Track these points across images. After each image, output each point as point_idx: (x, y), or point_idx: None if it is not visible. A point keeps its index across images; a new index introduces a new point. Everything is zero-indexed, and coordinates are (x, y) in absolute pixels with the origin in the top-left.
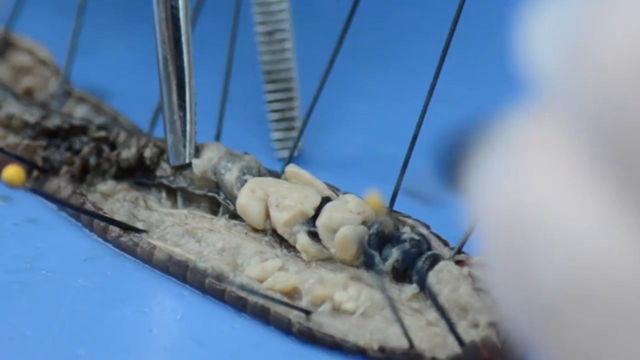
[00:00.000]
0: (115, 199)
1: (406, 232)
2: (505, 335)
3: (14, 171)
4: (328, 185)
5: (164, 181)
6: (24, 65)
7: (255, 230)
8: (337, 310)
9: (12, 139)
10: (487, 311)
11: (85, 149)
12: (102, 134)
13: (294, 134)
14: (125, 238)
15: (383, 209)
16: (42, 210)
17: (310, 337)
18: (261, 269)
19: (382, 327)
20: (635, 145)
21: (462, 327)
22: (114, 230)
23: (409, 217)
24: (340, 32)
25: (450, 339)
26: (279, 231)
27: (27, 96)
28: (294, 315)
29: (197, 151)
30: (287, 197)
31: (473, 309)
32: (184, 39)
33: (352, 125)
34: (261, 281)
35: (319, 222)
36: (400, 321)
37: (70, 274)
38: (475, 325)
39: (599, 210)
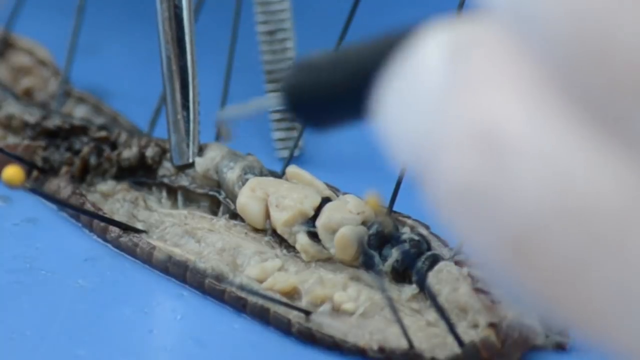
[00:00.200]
0: (115, 199)
1: (406, 233)
2: (505, 335)
3: (13, 171)
4: (328, 185)
5: (166, 180)
6: (24, 65)
7: (255, 230)
8: (336, 310)
9: (12, 140)
10: (487, 311)
11: (85, 149)
12: (103, 134)
13: (295, 133)
14: (125, 238)
15: (382, 209)
16: (41, 211)
17: (309, 338)
18: (261, 269)
19: (381, 327)
20: (594, 59)
21: (461, 328)
22: (114, 231)
23: (409, 217)
24: (341, 32)
25: (450, 340)
26: (279, 231)
27: (26, 96)
28: (294, 316)
29: (200, 150)
30: (287, 197)
31: (472, 309)
32: (187, 38)
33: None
34: (261, 281)
35: (319, 223)
36: (399, 321)
37: (70, 274)
38: (475, 326)
39: (567, 131)
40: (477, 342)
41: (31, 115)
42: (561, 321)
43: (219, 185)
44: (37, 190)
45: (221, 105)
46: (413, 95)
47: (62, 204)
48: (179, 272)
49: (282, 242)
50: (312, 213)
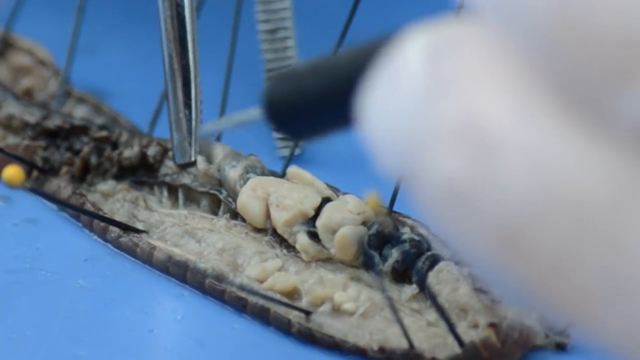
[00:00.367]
0: (115, 199)
1: (406, 233)
2: (505, 335)
3: (13, 171)
4: (328, 185)
5: (167, 179)
6: (24, 65)
7: (256, 230)
8: (337, 310)
9: (12, 140)
10: (487, 312)
11: (86, 149)
12: (104, 133)
13: None
14: (125, 238)
15: (383, 209)
16: (42, 211)
17: (310, 338)
18: (261, 269)
19: (381, 327)
20: (573, 44)
21: (461, 328)
22: (114, 231)
23: (409, 217)
24: (342, 31)
25: (450, 340)
26: (279, 231)
27: (26, 97)
28: (294, 316)
29: (202, 152)
30: (287, 196)
31: (473, 309)
32: (189, 36)
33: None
34: (261, 281)
35: (319, 223)
36: (400, 322)
37: (70, 274)
38: (475, 326)
39: (552, 123)
40: (478, 342)
41: (31, 115)
42: (554, 315)
43: (220, 184)
44: (37, 190)
45: (221, 105)
46: (394, 98)
47: (63, 204)
48: (179, 272)
49: (283, 242)
50: (312, 213)
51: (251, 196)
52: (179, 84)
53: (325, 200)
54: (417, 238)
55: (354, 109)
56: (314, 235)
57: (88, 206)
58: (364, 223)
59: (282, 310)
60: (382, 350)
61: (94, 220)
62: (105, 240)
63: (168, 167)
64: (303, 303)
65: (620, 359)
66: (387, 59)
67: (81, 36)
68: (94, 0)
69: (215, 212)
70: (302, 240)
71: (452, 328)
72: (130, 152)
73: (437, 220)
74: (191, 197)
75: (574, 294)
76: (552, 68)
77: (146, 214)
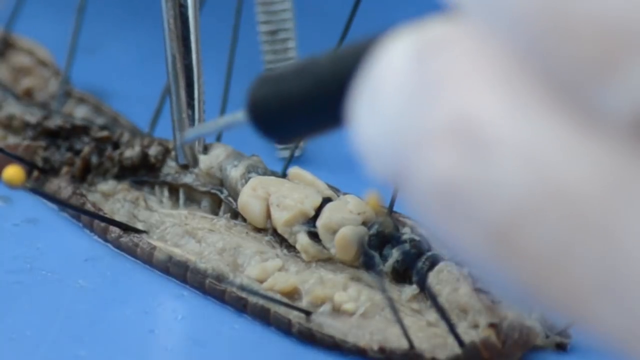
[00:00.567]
0: (116, 199)
1: (406, 233)
2: (506, 335)
3: (14, 171)
4: (328, 185)
5: (169, 178)
6: (24, 65)
7: (256, 230)
8: (337, 310)
9: (12, 140)
10: (487, 312)
11: (86, 149)
12: (105, 133)
13: None
14: (126, 238)
15: (383, 209)
16: (42, 211)
17: (310, 338)
18: (261, 269)
19: (382, 327)
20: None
21: (462, 328)
22: (114, 231)
23: (409, 217)
24: (343, 31)
25: (450, 340)
26: (279, 231)
27: (27, 97)
28: (294, 316)
29: (205, 150)
30: (288, 196)
31: (473, 309)
32: (192, 37)
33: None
34: (261, 281)
35: (319, 223)
36: (400, 322)
37: (71, 275)
38: (475, 326)
39: (542, 118)
40: (478, 342)
41: (32, 116)
42: (551, 311)
43: (221, 183)
44: (37, 190)
45: (221, 105)
46: (382, 99)
47: (63, 204)
48: (180, 272)
49: (283, 241)
50: (312, 213)
51: (252, 196)
52: (182, 84)
53: (326, 200)
54: (417, 238)
55: (338, 110)
56: (314, 235)
57: (88, 206)
58: (364, 223)
59: (282, 310)
60: (382, 350)
61: (94, 220)
62: (106, 240)
63: (170, 167)
64: (303, 303)
65: (619, 356)
66: (373, 60)
67: (81, 36)
68: (94, 0)
69: (215, 212)
70: (302, 240)
71: (452, 328)
72: (131, 152)
73: (432, 220)
74: (192, 197)
75: (569, 289)
76: (538, 62)
77: (146, 214)
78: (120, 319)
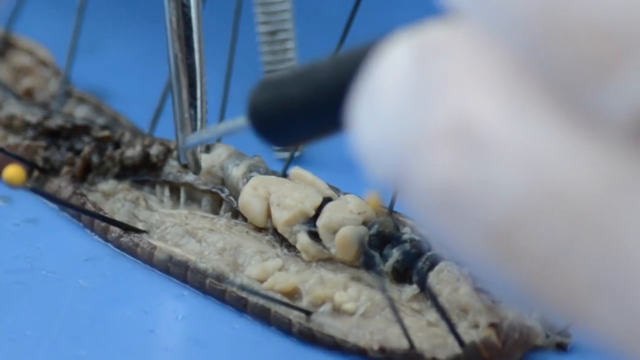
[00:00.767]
0: (116, 199)
1: (406, 233)
2: (506, 335)
3: (14, 171)
4: (329, 185)
5: (170, 177)
6: (24, 65)
7: (257, 229)
8: (337, 310)
9: (12, 140)
10: (488, 311)
11: (87, 149)
12: (106, 133)
13: None
14: (126, 238)
15: (383, 209)
16: (42, 211)
17: (310, 338)
18: (261, 268)
19: (382, 327)
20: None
21: (462, 328)
22: (115, 231)
23: (409, 217)
24: (342, 32)
25: (451, 340)
26: (280, 230)
27: (27, 97)
28: (294, 316)
29: (208, 149)
30: (289, 196)
31: (473, 309)
32: (195, 36)
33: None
34: (261, 281)
35: (320, 222)
36: (400, 322)
37: (71, 274)
38: (476, 326)
39: (539, 119)
40: (478, 342)
41: (33, 115)
42: (552, 312)
43: (222, 182)
44: (38, 190)
45: (221, 106)
46: (382, 102)
47: (63, 203)
48: (180, 272)
49: (283, 241)
50: (313, 213)
51: (252, 195)
52: (184, 84)
53: (326, 200)
54: (417, 238)
55: (338, 115)
56: (314, 235)
57: (89, 206)
58: (364, 223)
59: (282, 310)
60: (382, 350)
61: (94, 220)
62: (106, 240)
63: (172, 166)
64: (303, 303)
65: (619, 357)
66: (373, 63)
67: (81, 36)
68: (94, 0)
69: (216, 212)
70: (302, 240)
71: (452, 328)
72: (132, 152)
73: (431, 222)
74: (193, 196)
75: (569, 289)
76: (536, 64)
77: (147, 213)
78: (120, 319)
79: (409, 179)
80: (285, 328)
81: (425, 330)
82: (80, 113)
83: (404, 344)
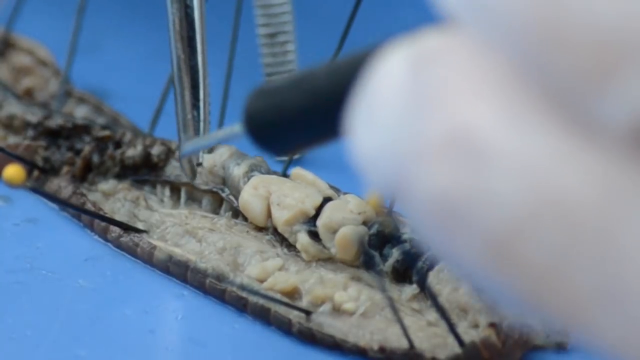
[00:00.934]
0: (116, 199)
1: (406, 233)
2: (506, 335)
3: (14, 170)
4: (329, 185)
5: (171, 177)
6: (24, 65)
7: (257, 229)
8: (337, 310)
9: (12, 139)
10: (488, 311)
11: (87, 149)
12: (107, 133)
13: None
14: (126, 238)
15: (383, 209)
16: (42, 211)
17: (310, 337)
18: (261, 268)
19: (382, 327)
20: (552, 44)
21: (462, 328)
22: (115, 231)
23: (405, 213)
24: (342, 35)
25: (450, 340)
26: (280, 230)
27: (27, 96)
28: (294, 316)
29: (210, 149)
30: (289, 195)
31: (473, 309)
32: (198, 37)
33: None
34: (261, 281)
35: (320, 222)
36: (400, 321)
37: (71, 274)
38: (476, 326)
39: (537, 128)
40: (478, 342)
41: (33, 115)
42: (552, 321)
43: (223, 182)
44: (38, 189)
45: (222, 107)
46: (379, 112)
47: (63, 203)
48: (180, 271)
49: (283, 241)
50: (313, 212)
51: (253, 195)
52: (187, 85)
53: (327, 199)
54: (417, 238)
55: (335, 123)
56: (314, 235)
57: (89, 206)
58: (364, 223)
59: (282, 309)
60: (382, 350)
61: (94, 220)
62: (106, 240)
63: (174, 166)
64: (303, 303)
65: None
66: (370, 72)
67: (81, 36)
68: (94, 0)
69: (216, 212)
70: (302, 239)
71: (452, 328)
72: (133, 152)
73: (430, 231)
74: (193, 196)
75: (569, 296)
76: (534, 72)
77: (147, 213)
78: (120, 318)
79: (408, 189)
80: (285, 328)
81: (425, 330)
82: (80, 113)
83: (403, 344)
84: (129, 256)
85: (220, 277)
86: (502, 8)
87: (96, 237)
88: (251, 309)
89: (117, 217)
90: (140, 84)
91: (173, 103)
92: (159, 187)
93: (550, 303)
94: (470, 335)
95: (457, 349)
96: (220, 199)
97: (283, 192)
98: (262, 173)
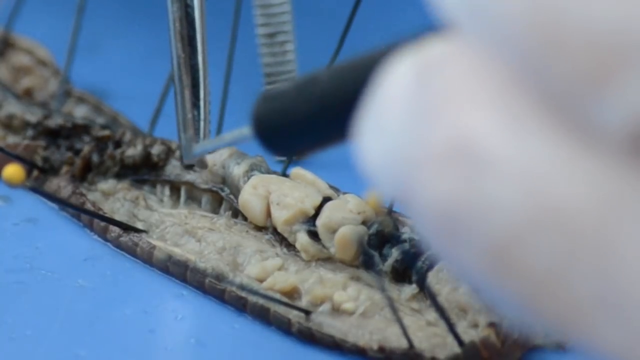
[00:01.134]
0: (116, 198)
1: (406, 232)
2: (505, 335)
3: (14, 170)
4: (329, 185)
5: (171, 176)
6: (24, 65)
7: (256, 228)
8: (336, 310)
9: (12, 139)
10: (487, 311)
11: (86, 148)
12: (106, 132)
13: None
14: (125, 238)
15: (383, 209)
16: (42, 210)
17: (309, 337)
18: (261, 268)
19: (381, 327)
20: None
21: (461, 327)
22: (114, 230)
23: (409, 217)
24: (341, 34)
25: (450, 339)
26: (279, 229)
27: (27, 96)
28: (294, 315)
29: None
30: (288, 195)
31: (472, 309)
32: (198, 37)
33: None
34: (261, 281)
35: (319, 222)
36: (399, 321)
37: (70, 274)
38: (475, 326)
39: (537, 136)
40: (477, 341)
41: (32, 115)
42: (552, 328)
43: (223, 181)
44: (37, 189)
45: (221, 106)
46: (384, 120)
47: (63, 203)
48: (179, 271)
49: (283, 240)
50: (312, 212)
51: (252, 194)
52: (187, 85)
53: (326, 199)
54: (417, 238)
55: (340, 127)
56: (314, 235)
57: (88, 205)
58: (364, 223)
59: (282, 309)
60: (381, 349)
61: (94, 219)
62: (106, 239)
63: (174, 166)
64: (303, 302)
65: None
66: (377, 81)
67: (81, 36)
68: (94, 0)
69: (216, 211)
70: (302, 239)
71: (451, 328)
72: (133, 151)
73: (433, 238)
74: (193, 195)
75: (569, 304)
76: (532, 77)
77: (146, 213)
78: (120, 318)
79: (411, 195)
80: (284, 327)
81: (424, 329)
82: (80, 113)
83: (403, 344)
84: (128, 256)
85: (219, 277)
86: (499, 12)
87: (96, 236)
88: (251, 308)
89: (117, 217)
90: (140, 83)
91: (173, 103)
92: (158, 187)
93: (550, 309)
94: (469, 335)
95: (456, 349)
96: (220, 198)
97: (283, 191)
98: (262, 172)
